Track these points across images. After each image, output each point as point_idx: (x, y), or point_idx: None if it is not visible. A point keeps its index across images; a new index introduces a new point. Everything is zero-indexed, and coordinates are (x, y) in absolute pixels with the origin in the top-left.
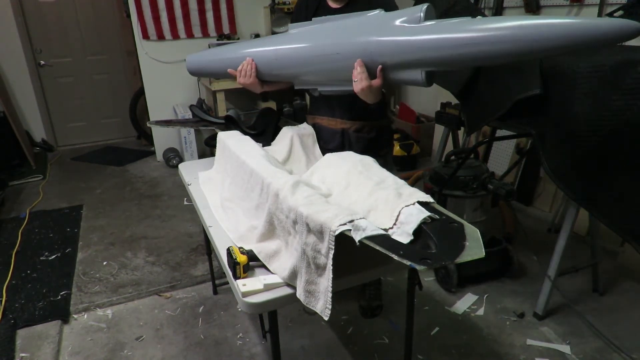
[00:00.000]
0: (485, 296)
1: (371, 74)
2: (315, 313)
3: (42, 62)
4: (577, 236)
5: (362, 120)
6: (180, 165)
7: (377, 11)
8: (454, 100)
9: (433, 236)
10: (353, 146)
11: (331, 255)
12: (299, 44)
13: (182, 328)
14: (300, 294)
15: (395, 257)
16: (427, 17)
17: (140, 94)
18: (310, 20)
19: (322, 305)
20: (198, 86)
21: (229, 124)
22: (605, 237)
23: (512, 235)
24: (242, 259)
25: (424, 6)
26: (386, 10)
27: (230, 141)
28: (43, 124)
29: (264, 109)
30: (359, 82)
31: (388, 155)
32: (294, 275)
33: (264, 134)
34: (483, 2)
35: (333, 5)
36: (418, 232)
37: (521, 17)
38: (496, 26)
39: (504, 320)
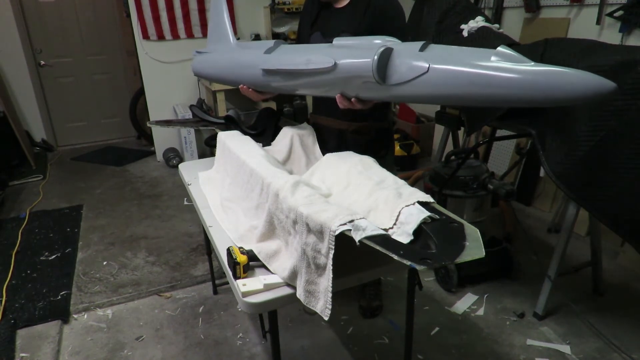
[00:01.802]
0: (485, 296)
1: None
2: (315, 313)
3: (42, 62)
4: (577, 236)
5: (362, 122)
6: (180, 165)
7: (331, 64)
8: None
9: (433, 236)
10: (350, 147)
11: (331, 255)
12: (283, 78)
13: (182, 328)
14: (300, 294)
15: (395, 257)
16: (381, 64)
17: (140, 94)
18: (317, 16)
19: (322, 305)
20: (198, 86)
21: (229, 124)
22: (605, 237)
23: (512, 235)
24: (242, 259)
25: (375, 62)
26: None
27: (230, 141)
28: (43, 124)
29: (264, 109)
30: (348, 107)
31: (388, 156)
32: (294, 275)
33: (264, 134)
34: (483, 2)
35: (336, 5)
36: (418, 232)
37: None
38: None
39: (504, 320)
